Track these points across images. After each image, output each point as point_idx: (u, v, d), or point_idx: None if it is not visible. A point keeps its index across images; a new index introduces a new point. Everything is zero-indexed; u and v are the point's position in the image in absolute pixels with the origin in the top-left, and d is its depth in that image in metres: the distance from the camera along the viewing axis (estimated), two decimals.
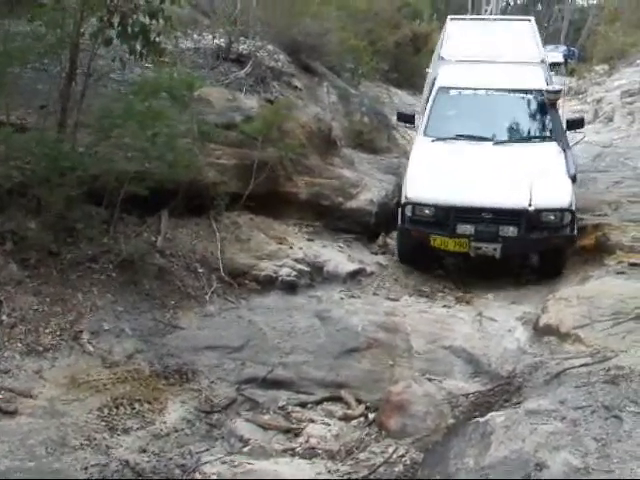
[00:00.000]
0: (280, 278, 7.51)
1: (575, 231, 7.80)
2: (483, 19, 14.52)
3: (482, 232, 7.70)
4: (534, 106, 9.17)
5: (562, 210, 7.75)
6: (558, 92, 9.07)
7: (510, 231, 7.68)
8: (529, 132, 9.07)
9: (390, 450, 5.03)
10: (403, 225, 8.11)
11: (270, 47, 10.85)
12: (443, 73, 9.79)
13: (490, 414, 4.65)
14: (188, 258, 7.28)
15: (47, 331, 5.63)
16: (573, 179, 8.09)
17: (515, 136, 8.89)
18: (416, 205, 7.95)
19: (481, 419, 4.58)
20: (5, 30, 6.53)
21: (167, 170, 6.88)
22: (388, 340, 6.49)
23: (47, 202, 6.37)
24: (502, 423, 4.40)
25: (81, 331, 5.76)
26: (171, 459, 4.76)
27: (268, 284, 7.45)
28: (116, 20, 6.56)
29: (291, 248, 8.07)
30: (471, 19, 14.06)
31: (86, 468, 4.27)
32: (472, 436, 4.42)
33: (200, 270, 7.21)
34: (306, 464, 4.92)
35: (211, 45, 10.39)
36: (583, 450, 4.07)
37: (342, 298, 7.31)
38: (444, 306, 7.23)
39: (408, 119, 9.75)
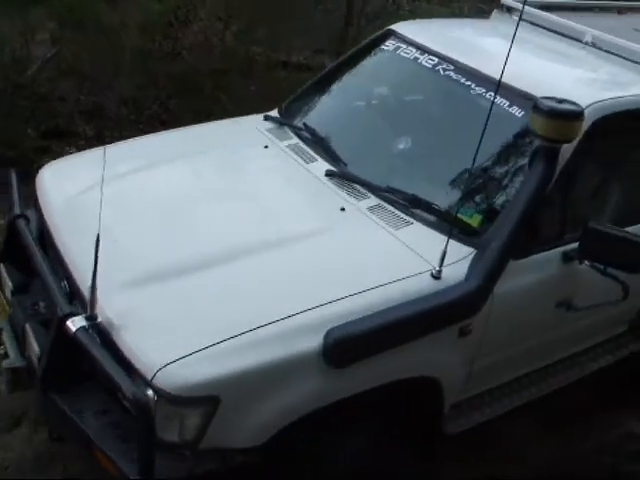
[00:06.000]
0: None
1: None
2: None
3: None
4: (513, 136, 3.35)
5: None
6: (569, 115, 2.96)
7: (31, 352, 2.96)
8: (433, 187, 3.35)
9: None
10: None
11: None
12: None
13: None
14: None
15: None
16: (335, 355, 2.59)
17: (393, 182, 3.33)
18: None
19: None
20: None
21: None
22: None
23: None
24: None
25: None
26: None
27: None
28: None
29: None
30: None
31: None
32: None
33: None
34: None
35: None
36: None
37: None
38: None
39: None
